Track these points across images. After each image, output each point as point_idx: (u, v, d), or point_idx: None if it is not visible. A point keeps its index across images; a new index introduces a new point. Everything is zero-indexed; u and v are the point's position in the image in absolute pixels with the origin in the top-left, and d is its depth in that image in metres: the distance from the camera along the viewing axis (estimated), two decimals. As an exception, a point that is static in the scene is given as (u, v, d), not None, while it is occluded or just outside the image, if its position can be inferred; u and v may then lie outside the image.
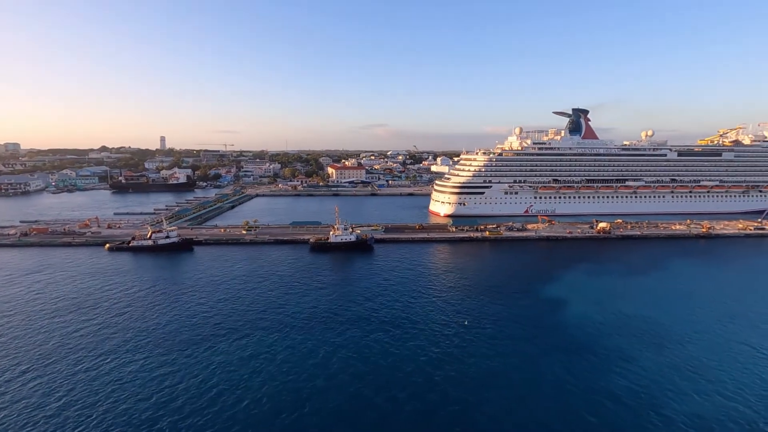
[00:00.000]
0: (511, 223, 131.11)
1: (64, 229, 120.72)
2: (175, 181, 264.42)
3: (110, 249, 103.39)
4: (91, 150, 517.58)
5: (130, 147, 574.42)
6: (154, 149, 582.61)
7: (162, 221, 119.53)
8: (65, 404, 42.00)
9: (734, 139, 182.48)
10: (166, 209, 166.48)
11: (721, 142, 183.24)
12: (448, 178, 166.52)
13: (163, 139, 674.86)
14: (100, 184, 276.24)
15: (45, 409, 41.17)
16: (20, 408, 41.32)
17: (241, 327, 59.43)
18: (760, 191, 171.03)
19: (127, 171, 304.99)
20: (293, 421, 39.61)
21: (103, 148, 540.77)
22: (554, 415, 40.84)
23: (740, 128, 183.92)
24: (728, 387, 45.74)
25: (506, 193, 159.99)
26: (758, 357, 52.42)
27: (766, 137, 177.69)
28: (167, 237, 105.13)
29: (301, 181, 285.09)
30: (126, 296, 71.52)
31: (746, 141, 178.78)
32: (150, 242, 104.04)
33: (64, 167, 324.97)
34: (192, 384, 45.40)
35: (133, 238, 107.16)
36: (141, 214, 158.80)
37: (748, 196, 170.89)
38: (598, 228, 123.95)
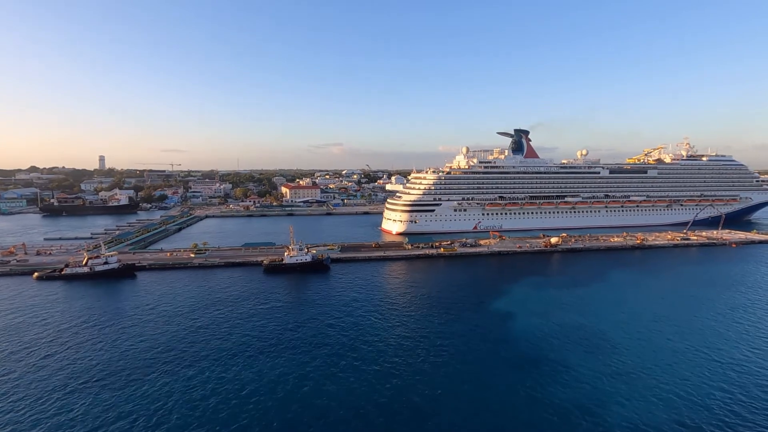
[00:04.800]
0: (464, 240, 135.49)
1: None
2: (115, 203, 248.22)
3: (39, 278, 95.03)
4: (19, 170, 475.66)
5: (64, 167, 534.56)
6: (92, 169, 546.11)
7: (100, 246, 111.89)
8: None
9: (657, 157, 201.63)
10: (105, 233, 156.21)
11: (646, 161, 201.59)
12: (400, 197, 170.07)
13: (102, 158, 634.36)
14: (29, 207, 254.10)
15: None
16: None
17: (188, 356, 56.60)
18: (681, 205, 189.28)
19: (60, 193, 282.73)
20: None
21: (33, 169, 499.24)
22: (501, 427, 42.12)
23: (661, 148, 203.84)
24: (659, 386, 49.54)
25: (455, 210, 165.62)
26: (682, 356, 57.36)
27: (683, 156, 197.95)
28: (106, 263, 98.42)
29: (254, 201, 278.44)
30: (57, 329, 65.84)
31: (667, 159, 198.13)
32: (86, 269, 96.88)
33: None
34: (139, 422, 42.55)
35: (67, 265, 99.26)
36: (76, 239, 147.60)
37: (671, 209, 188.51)
38: (550, 242, 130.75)
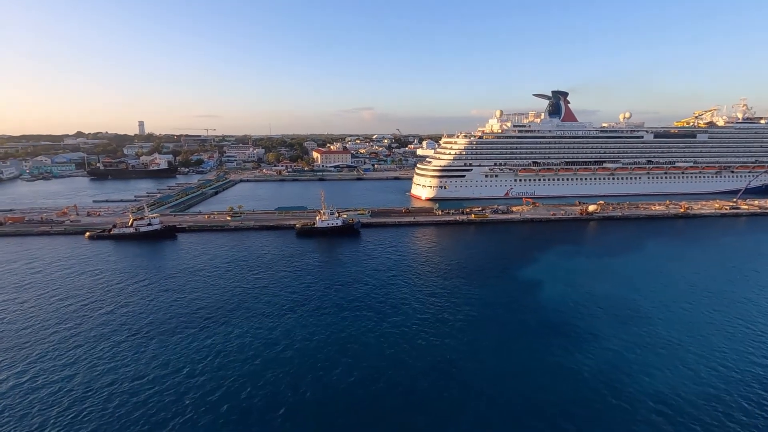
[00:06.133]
0: (496, 206, 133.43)
1: (41, 218, 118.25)
2: (155, 167, 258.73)
3: (91, 237, 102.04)
4: (66, 136, 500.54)
5: (107, 132, 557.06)
6: (132, 134, 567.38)
7: (144, 208, 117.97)
8: (67, 402, 42.59)
9: (709, 120, 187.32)
10: (148, 196, 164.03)
11: (696, 124, 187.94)
12: (429, 162, 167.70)
13: (141, 124, 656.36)
14: (78, 171, 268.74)
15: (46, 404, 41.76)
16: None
17: (234, 314, 60.11)
18: (732, 172, 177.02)
19: (105, 157, 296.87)
20: (296, 402, 41.14)
21: (79, 134, 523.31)
22: (524, 395, 42.76)
23: (714, 110, 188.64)
24: (694, 358, 48.67)
25: (486, 176, 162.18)
26: (720, 329, 55.74)
27: (738, 118, 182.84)
28: (149, 224, 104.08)
29: (286, 166, 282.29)
30: (112, 286, 71.28)
31: (720, 122, 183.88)
32: (132, 230, 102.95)
33: (39, 154, 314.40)
34: (195, 373, 46.32)
35: (114, 226, 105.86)
36: (121, 201, 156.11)
37: (721, 176, 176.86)
38: (587, 210, 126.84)
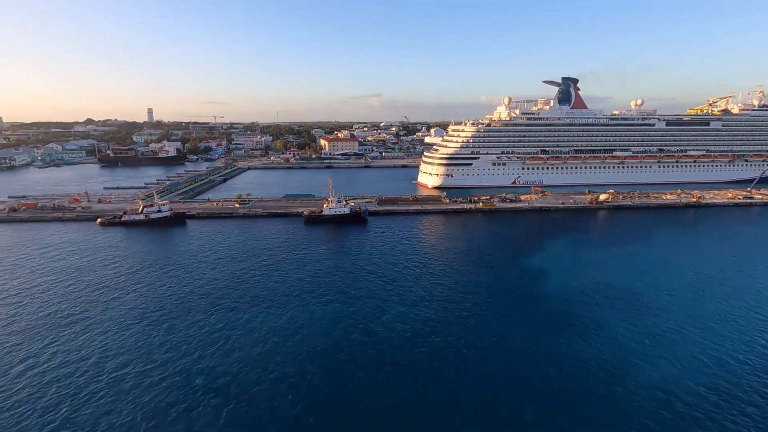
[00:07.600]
0: (504, 194, 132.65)
1: (54, 204, 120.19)
2: (165, 155, 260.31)
3: (102, 224, 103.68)
4: (77, 123, 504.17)
5: (116, 120, 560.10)
6: (141, 122, 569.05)
7: (153, 195, 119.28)
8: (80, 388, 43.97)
9: (723, 108, 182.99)
10: (157, 183, 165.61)
11: (710, 111, 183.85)
12: (437, 150, 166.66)
13: (150, 111, 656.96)
14: (88, 158, 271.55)
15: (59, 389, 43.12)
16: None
17: (244, 299, 61.14)
18: (746, 161, 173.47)
19: (115, 144, 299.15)
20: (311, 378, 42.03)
21: (89, 121, 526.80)
22: (528, 384, 42.85)
23: (730, 97, 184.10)
24: (701, 352, 48.38)
25: (494, 164, 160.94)
26: (732, 318, 55.43)
27: (754, 105, 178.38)
28: (159, 211, 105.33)
29: (294, 154, 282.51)
30: (125, 271, 72.65)
31: (735, 110, 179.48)
32: (142, 216, 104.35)
33: (50, 141, 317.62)
34: (205, 356, 47.51)
35: (125, 213, 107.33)
36: (131, 188, 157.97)
37: (734, 165, 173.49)
38: (598, 199, 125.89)
